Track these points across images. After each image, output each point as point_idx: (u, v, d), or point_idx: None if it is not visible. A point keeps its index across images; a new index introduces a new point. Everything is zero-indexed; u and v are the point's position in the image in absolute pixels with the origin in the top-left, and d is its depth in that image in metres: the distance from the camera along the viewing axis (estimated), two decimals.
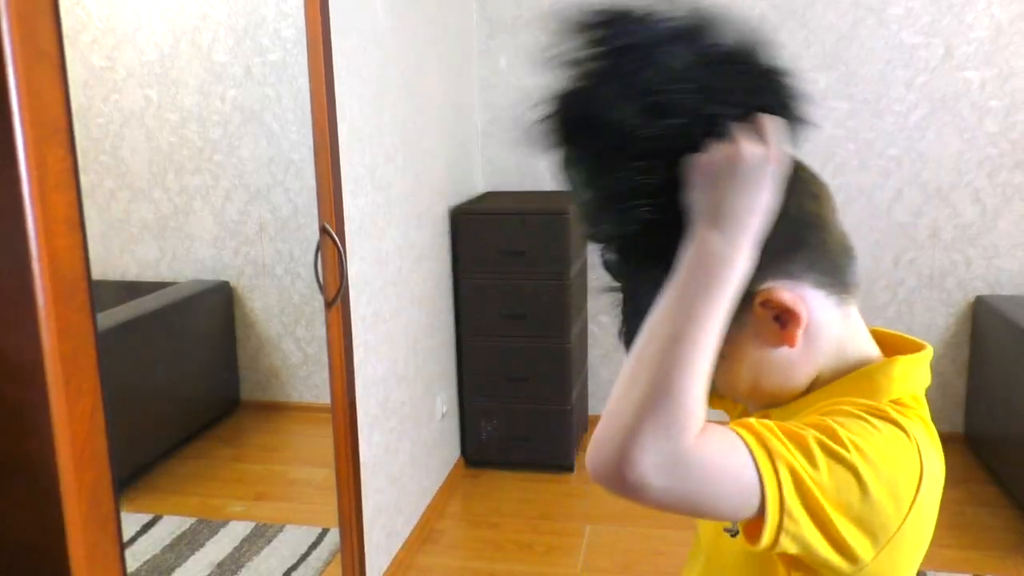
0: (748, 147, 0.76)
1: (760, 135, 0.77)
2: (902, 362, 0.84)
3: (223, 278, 2.84)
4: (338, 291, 2.13)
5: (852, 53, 3.40)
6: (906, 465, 0.75)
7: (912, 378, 0.84)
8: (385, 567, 2.65)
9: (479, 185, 3.74)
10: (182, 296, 2.75)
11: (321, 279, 2.13)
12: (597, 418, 4.02)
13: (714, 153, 0.77)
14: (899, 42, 3.38)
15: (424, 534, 2.98)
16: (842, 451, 0.72)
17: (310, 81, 2.07)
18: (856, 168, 3.47)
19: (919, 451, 0.76)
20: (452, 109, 3.35)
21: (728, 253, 0.74)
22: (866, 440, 0.73)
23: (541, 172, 3.71)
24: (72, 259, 1.05)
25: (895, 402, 0.82)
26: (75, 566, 0.98)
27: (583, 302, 3.64)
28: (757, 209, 0.76)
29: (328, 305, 2.13)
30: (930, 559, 2.75)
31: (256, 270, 2.85)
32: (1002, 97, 3.35)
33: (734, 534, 0.88)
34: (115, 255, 2.63)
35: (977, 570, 2.69)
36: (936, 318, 3.53)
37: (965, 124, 3.39)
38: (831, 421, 0.75)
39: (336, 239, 2.08)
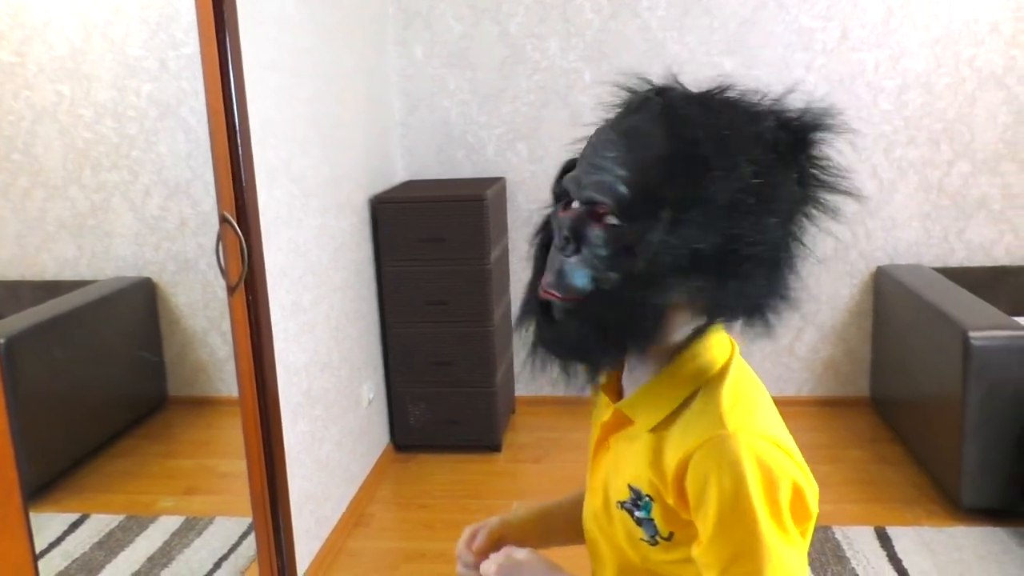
0: None
1: None
2: (714, 333, 0.99)
3: (145, 274, 2.83)
4: (240, 278, 2.16)
5: (754, 38, 3.54)
6: (785, 483, 0.92)
7: (721, 343, 1.01)
8: (316, 551, 2.69)
9: (399, 174, 3.79)
10: (103, 294, 2.74)
11: (224, 267, 2.16)
12: (523, 399, 4.08)
13: None
14: (798, 26, 3.53)
15: (355, 518, 3.03)
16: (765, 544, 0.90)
17: (204, 72, 2.10)
18: None
19: (791, 468, 0.93)
20: (369, 100, 3.39)
21: None
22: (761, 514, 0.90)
23: (460, 160, 3.78)
24: None
25: (724, 368, 0.99)
26: None
27: (505, 286, 3.72)
28: None
29: (230, 291, 2.17)
30: (836, 515, 2.91)
31: (179, 265, 2.84)
32: (894, 77, 3.52)
33: (654, 544, 1.01)
34: (32, 254, 2.61)
35: (880, 522, 2.85)
36: (841, 288, 3.71)
37: (861, 103, 3.56)
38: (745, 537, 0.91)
39: (236, 227, 2.12)
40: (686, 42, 3.57)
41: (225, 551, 2.60)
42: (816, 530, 2.80)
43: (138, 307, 2.87)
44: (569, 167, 1.03)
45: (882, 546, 2.70)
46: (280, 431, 2.41)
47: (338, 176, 2.99)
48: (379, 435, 3.42)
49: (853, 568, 2.60)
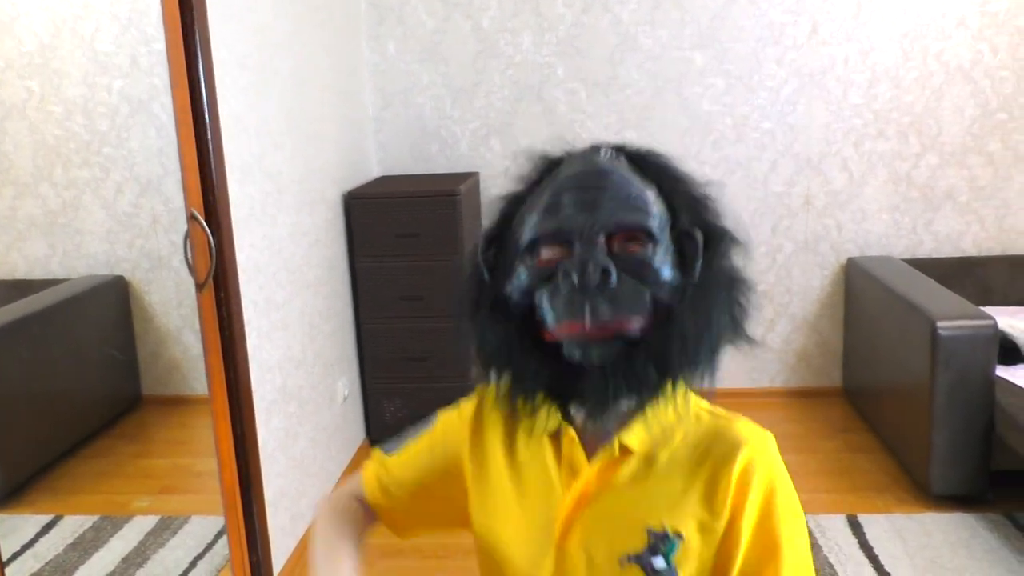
0: None
1: None
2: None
3: (118, 272, 2.81)
4: (208, 275, 2.15)
5: (726, 32, 3.57)
6: None
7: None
8: (292, 548, 2.69)
9: (374, 170, 3.78)
10: (75, 293, 2.71)
11: (192, 264, 2.15)
12: None
13: None
14: (769, 21, 3.55)
15: None
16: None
17: (170, 67, 2.08)
18: (733, 141, 3.65)
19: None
20: (342, 96, 3.38)
21: None
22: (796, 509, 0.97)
23: (433, 155, 3.78)
24: None
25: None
26: None
27: None
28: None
29: (199, 288, 2.16)
30: (808, 504, 2.93)
31: (152, 263, 2.83)
32: (864, 71, 3.56)
33: None
34: (2, 253, 2.59)
35: (852, 510, 2.89)
36: (812, 280, 3.75)
37: (831, 97, 3.59)
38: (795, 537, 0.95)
39: (203, 224, 2.11)
40: (658, 36, 3.58)
41: (200, 550, 2.59)
42: None
43: (110, 305, 2.85)
44: (492, 237, 1.01)
45: (854, 533, 2.74)
46: (254, 428, 2.40)
47: (311, 172, 2.98)
48: (354, 431, 3.42)
49: (825, 556, 2.63)
